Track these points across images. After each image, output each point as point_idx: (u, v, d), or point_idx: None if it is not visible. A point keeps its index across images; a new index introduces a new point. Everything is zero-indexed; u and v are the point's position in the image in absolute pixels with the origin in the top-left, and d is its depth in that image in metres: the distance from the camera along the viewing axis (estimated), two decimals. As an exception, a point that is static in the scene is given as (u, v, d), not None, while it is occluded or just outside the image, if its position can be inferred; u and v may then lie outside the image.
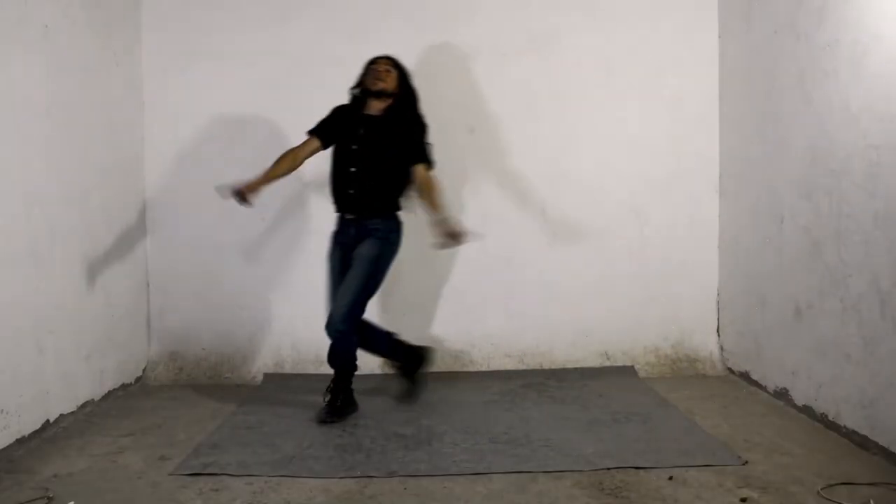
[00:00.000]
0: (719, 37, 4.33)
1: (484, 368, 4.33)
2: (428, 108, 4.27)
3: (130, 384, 4.11)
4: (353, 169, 3.51)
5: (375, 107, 3.57)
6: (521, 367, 4.32)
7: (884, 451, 2.86)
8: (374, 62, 3.59)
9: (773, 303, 3.76)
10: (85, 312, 3.63)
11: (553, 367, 4.33)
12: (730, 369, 4.27)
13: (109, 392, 3.86)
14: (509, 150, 4.33)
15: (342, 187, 3.55)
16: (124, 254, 4.08)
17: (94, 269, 3.73)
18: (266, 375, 4.26)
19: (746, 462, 2.87)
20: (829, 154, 3.22)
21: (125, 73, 4.11)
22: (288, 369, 4.32)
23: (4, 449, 2.95)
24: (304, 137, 3.62)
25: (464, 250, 4.32)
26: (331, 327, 3.44)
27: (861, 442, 3.01)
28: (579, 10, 4.34)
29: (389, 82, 3.55)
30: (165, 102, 4.31)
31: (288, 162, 3.59)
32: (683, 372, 4.31)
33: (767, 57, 3.77)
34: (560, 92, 4.34)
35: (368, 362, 4.37)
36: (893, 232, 2.81)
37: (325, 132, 3.60)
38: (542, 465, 2.87)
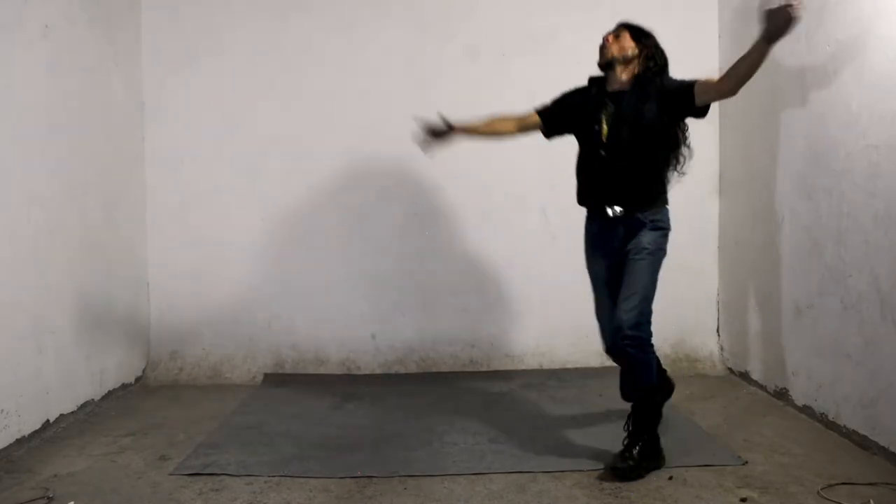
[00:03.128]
0: (719, 36, 4.34)
1: (484, 368, 4.33)
2: (426, 108, 4.28)
3: (131, 384, 4.11)
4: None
5: (617, 81, 2.99)
6: (522, 367, 4.33)
7: (884, 451, 2.86)
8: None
9: (773, 303, 3.76)
10: (85, 312, 3.63)
11: (553, 367, 4.33)
12: (730, 369, 4.27)
13: (109, 392, 3.86)
14: (510, 150, 4.32)
15: None
16: (124, 254, 4.09)
17: (94, 269, 3.73)
18: (266, 375, 4.27)
19: (746, 462, 2.87)
20: (829, 154, 3.22)
21: (125, 72, 4.11)
22: (288, 369, 4.32)
23: (4, 449, 2.96)
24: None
25: (464, 251, 4.34)
26: (619, 335, 2.81)
27: (861, 442, 3.01)
28: (579, 10, 4.34)
29: (617, 48, 2.98)
30: (165, 102, 4.32)
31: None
32: (684, 372, 4.30)
33: (768, 56, 3.76)
34: (560, 91, 4.33)
35: (365, 363, 4.39)
36: (894, 232, 2.81)
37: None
38: (543, 465, 2.87)
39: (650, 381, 2.87)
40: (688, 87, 2.85)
